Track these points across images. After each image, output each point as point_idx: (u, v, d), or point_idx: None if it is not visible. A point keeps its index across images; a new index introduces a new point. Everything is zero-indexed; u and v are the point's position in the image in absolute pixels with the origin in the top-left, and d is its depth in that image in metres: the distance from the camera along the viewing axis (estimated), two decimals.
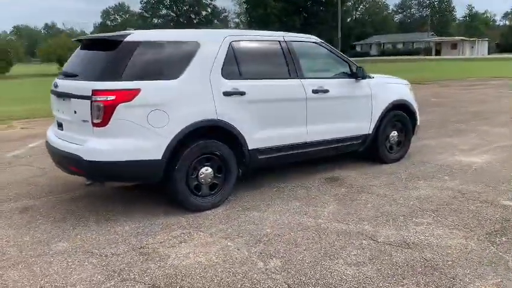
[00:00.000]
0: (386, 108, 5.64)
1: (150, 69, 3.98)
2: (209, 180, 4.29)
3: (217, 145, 4.27)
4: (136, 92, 3.80)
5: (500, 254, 3.28)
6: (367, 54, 72.46)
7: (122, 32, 4.16)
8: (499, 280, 2.91)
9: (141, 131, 3.84)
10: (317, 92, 4.93)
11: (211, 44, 4.33)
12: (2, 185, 5.26)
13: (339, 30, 54.97)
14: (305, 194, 4.72)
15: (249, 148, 4.47)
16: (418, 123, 6.19)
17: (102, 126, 3.77)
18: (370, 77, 5.61)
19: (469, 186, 4.87)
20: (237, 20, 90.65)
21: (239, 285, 2.91)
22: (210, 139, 4.23)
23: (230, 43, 4.44)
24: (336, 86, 5.20)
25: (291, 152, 4.87)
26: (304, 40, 5.17)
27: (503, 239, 3.53)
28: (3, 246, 3.57)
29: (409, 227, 3.79)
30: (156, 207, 4.33)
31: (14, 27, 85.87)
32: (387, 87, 5.81)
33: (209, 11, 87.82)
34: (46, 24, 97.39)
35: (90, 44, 4.32)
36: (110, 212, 4.28)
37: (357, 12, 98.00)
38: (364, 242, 3.52)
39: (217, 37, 4.43)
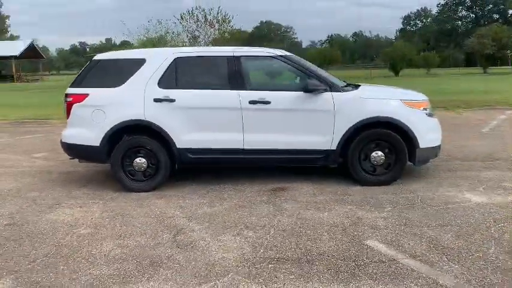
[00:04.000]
0: (357, 124, 5.18)
1: (101, 79, 5.40)
2: (142, 168, 5.36)
3: (147, 141, 5.29)
4: (85, 95, 5.30)
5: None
6: None
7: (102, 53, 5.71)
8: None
9: (87, 124, 5.31)
10: (255, 103, 5.20)
11: (156, 60, 5.37)
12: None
13: None
14: (226, 196, 5.11)
15: (178, 147, 5.28)
16: (421, 146, 5.27)
17: (68, 119, 5.46)
18: (342, 91, 5.31)
19: (387, 221, 4.20)
20: None
21: (47, 232, 4.09)
22: (142, 135, 5.31)
23: (174, 59, 5.35)
24: (282, 98, 5.26)
25: (226, 156, 5.34)
26: (257, 54, 5.49)
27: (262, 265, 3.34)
28: (2, 188, 5.70)
29: (226, 235, 3.93)
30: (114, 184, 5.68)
31: (328, 36, 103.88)
32: (362, 102, 5.26)
33: None
34: (354, 33, 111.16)
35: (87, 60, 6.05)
36: (93, 181, 5.92)
37: None
38: (165, 236, 3.97)
39: (163, 54, 5.43)
